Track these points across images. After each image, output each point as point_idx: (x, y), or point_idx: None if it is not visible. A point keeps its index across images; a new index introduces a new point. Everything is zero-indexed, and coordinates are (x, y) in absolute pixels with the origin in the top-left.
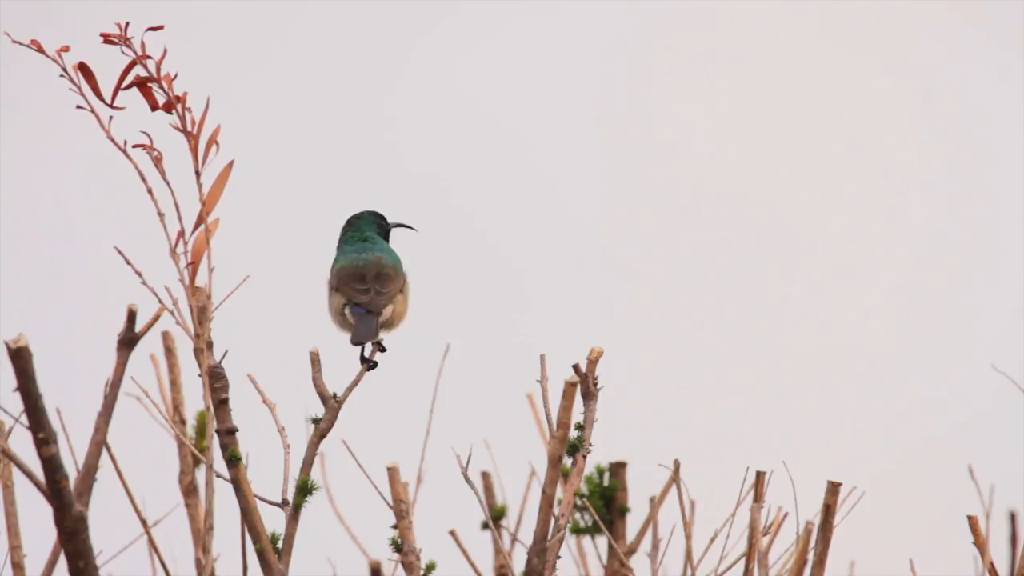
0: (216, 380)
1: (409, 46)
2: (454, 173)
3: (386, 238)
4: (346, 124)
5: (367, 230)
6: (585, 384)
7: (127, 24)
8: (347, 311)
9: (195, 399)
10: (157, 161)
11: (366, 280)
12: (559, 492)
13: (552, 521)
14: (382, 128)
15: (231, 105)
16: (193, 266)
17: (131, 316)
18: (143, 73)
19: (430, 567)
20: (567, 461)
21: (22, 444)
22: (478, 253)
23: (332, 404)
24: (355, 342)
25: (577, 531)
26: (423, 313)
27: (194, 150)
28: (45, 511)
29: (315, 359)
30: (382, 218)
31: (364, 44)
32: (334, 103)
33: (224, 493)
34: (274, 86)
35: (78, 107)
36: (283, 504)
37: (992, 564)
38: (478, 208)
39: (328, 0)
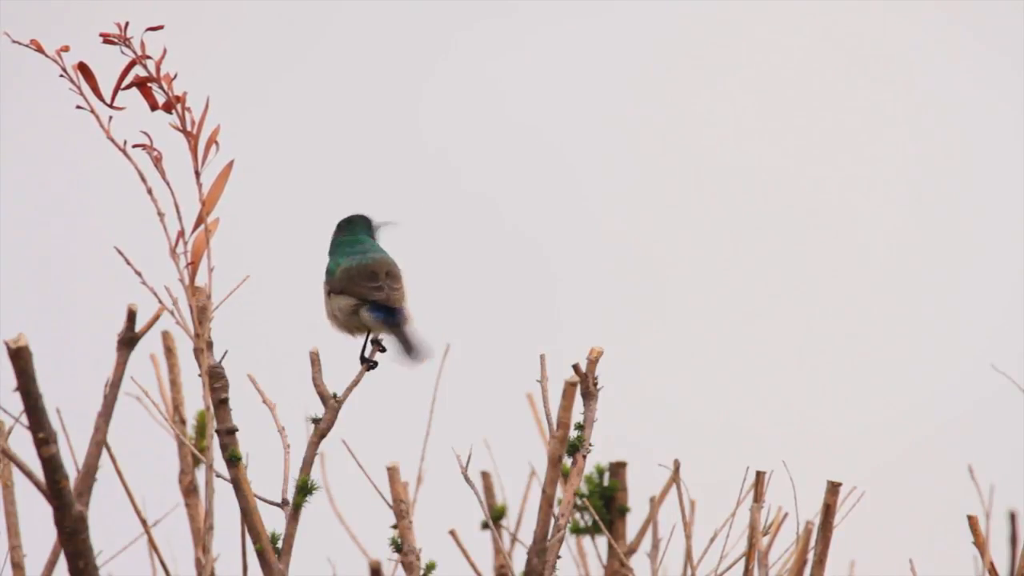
0: (216, 380)
1: (443, 46)
2: (466, 169)
3: (378, 236)
4: (356, 121)
5: (361, 233)
6: (585, 384)
7: (127, 24)
8: (365, 313)
9: (195, 399)
10: (157, 161)
11: (378, 277)
12: (559, 492)
13: (552, 521)
14: (393, 125)
15: (231, 105)
16: (193, 266)
17: (131, 316)
18: (143, 73)
19: (430, 567)
20: (567, 461)
21: (22, 444)
22: (478, 252)
23: (332, 404)
24: (417, 360)
25: (577, 531)
26: (423, 313)
27: (194, 150)
28: (45, 511)
29: (315, 359)
30: (370, 221)
31: (388, 41)
32: (346, 100)
33: (224, 493)
34: (274, 84)
35: (78, 107)
36: (283, 504)
37: (992, 564)
38: (482, 205)
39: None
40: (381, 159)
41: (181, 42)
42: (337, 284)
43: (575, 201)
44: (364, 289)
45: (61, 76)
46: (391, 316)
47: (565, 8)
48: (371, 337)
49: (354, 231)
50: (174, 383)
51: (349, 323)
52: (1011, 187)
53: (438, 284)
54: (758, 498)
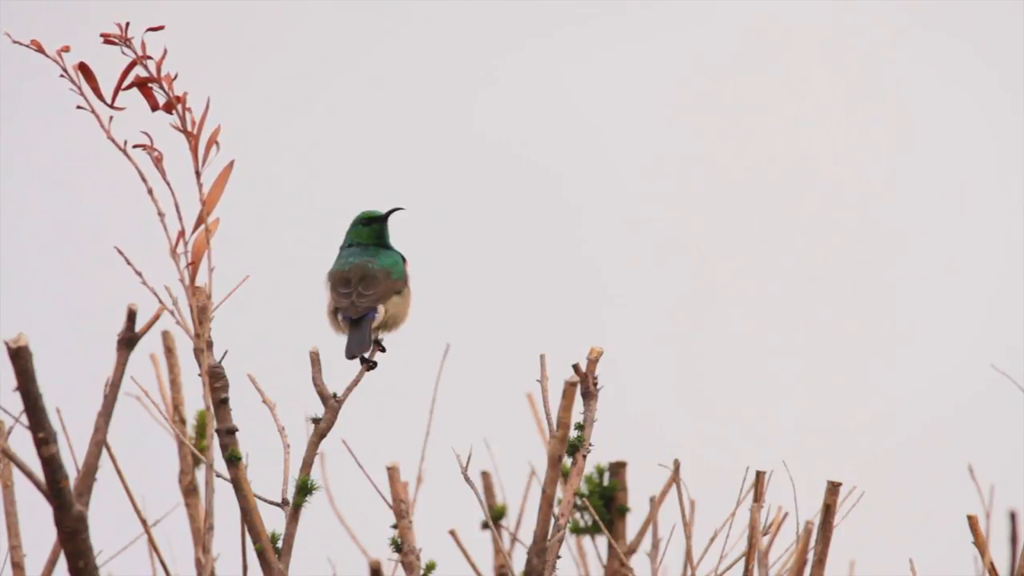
0: (216, 380)
1: (510, 49)
2: (468, 169)
3: (384, 233)
4: (390, 115)
5: (361, 235)
6: (585, 384)
7: (127, 24)
8: (340, 317)
9: (195, 399)
10: (157, 161)
11: (350, 284)
12: (559, 492)
13: (552, 521)
14: (392, 125)
15: (231, 104)
16: (193, 266)
17: (131, 316)
18: (143, 73)
19: (430, 567)
20: (567, 461)
21: (22, 444)
22: (478, 252)
23: (332, 404)
24: (347, 356)
25: (577, 531)
26: (424, 313)
27: (194, 150)
28: (45, 511)
29: (315, 359)
30: (375, 215)
31: (445, 40)
32: (379, 97)
33: (224, 493)
34: (271, 83)
35: (78, 107)
36: (283, 504)
37: (992, 564)
38: (482, 204)
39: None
40: (403, 152)
41: (182, 42)
42: (327, 287)
43: (582, 204)
44: (336, 295)
45: (61, 76)
46: (359, 325)
47: (634, 22)
48: (371, 337)
49: (359, 232)
50: (174, 383)
51: (334, 324)
52: (1010, 186)
53: (442, 283)
54: (758, 498)
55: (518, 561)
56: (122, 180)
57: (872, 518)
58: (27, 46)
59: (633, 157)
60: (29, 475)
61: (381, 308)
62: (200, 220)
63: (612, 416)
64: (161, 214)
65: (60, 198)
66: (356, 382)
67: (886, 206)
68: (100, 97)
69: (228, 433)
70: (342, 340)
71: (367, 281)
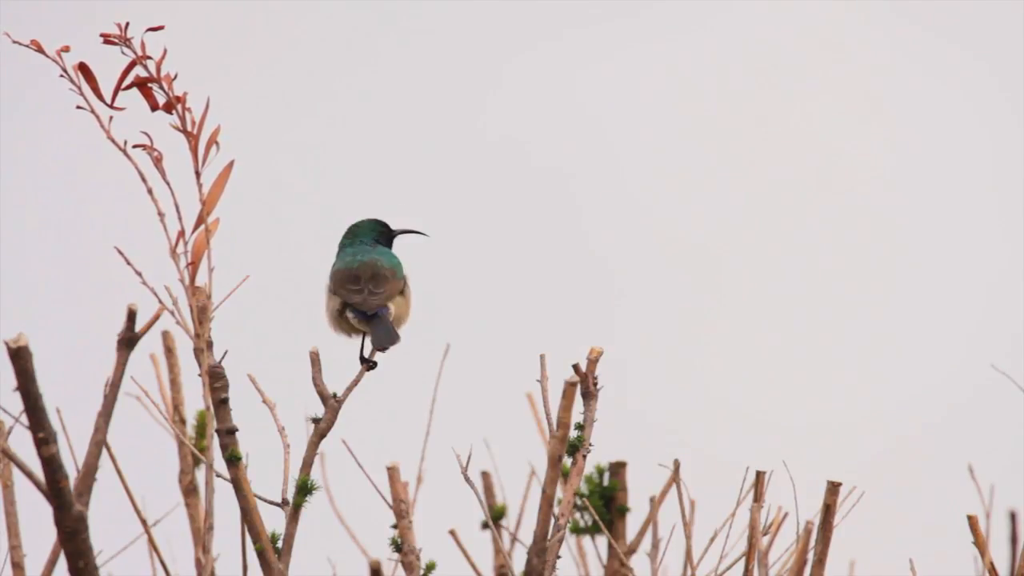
0: (216, 380)
1: (523, 50)
2: (473, 169)
3: (389, 244)
4: (360, 125)
5: (365, 237)
6: (585, 384)
7: (127, 24)
8: (349, 315)
9: (195, 399)
10: (157, 161)
11: (360, 281)
12: (559, 492)
13: (552, 521)
14: (392, 127)
15: (231, 104)
16: (193, 266)
17: (131, 316)
18: (143, 73)
19: (430, 567)
20: (567, 461)
21: (22, 444)
22: (479, 251)
23: (332, 404)
24: (379, 348)
25: (577, 531)
26: (424, 313)
27: (194, 150)
28: (45, 511)
29: (315, 359)
30: (384, 225)
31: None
32: (382, 98)
33: (224, 493)
34: (271, 83)
35: (78, 107)
36: (283, 504)
37: (992, 564)
38: (486, 203)
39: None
40: (381, 161)
41: (182, 42)
42: (330, 286)
43: (583, 204)
44: (346, 292)
45: (61, 76)
46: (368, 317)
47: (641, 25)
48: (395, 329)
49: (359, 235)
50: (174, 383)
51: (338, 324)
52: (1009, 187)
53: (443, 282)
54: (758, 498)
55: (518, 561)
56: (122, 180)
57: (872, 518)
58: (27, 46)
59: (637, 157)
60: (29, 475)
61: (391, 306)
62: (200, 220)
63: (612, 416)
64: (161, 214)
65: (60, 198)
66: (356, 382)
67: (886, 206)
68: (100, 97)
69: (228, 433)
70: (347, 340)
71: (377, 279)
